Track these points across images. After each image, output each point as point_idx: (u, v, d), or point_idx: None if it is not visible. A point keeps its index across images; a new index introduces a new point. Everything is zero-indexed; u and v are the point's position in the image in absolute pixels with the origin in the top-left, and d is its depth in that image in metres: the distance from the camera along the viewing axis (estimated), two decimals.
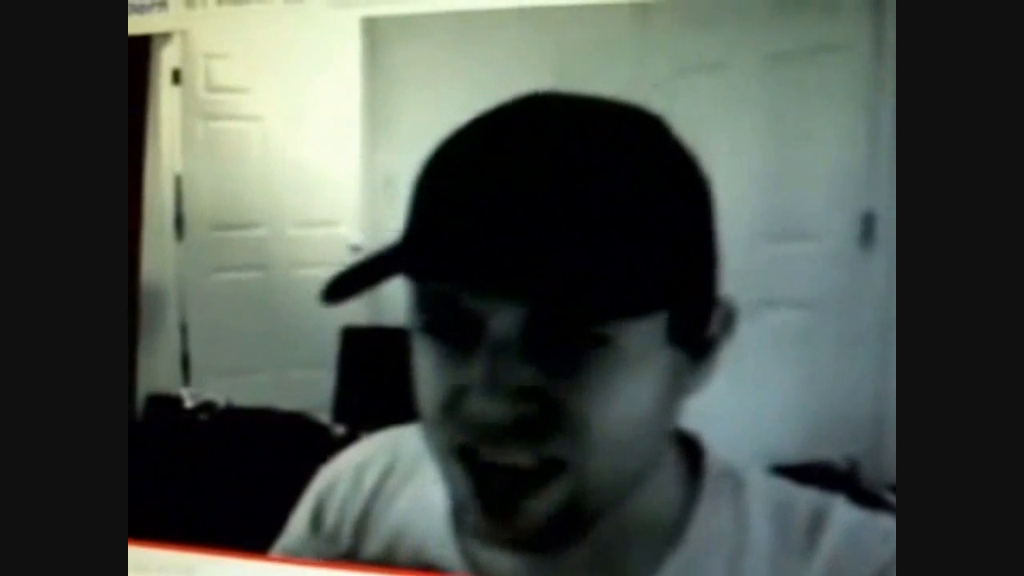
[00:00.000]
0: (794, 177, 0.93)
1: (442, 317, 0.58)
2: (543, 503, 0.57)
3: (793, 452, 0.89)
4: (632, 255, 0.54)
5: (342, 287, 0.58)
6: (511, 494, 0.57)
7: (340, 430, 0.98)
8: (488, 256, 0.53)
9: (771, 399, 0.92)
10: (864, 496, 0.76)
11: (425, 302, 0.58)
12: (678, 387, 0.61)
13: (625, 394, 0.57)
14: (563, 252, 0.53)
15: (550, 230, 0.53)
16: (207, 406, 1.11)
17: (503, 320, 0.55)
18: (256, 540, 0.86)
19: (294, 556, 0.75)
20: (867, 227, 0.90)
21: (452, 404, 0.57)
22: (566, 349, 0.55)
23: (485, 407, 0.55)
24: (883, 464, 0.90)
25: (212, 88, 1.09)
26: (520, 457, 0.56)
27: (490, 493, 0.57)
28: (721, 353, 0.63)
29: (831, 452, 0.89)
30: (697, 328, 0.61)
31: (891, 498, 0.84)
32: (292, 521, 0.77)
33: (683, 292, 0.58)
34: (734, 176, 0.96)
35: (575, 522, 0.59)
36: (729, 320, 0.62)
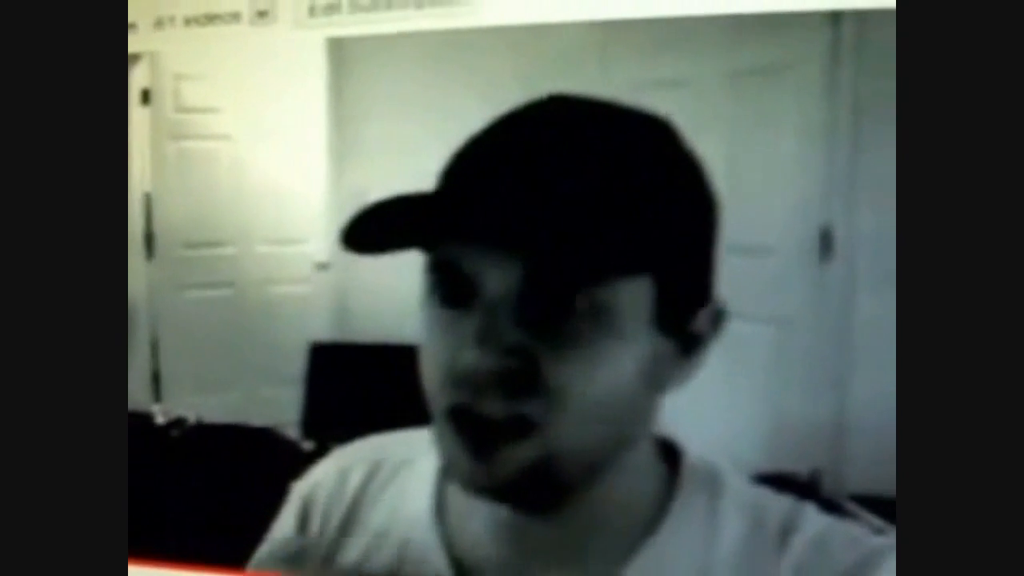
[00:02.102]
0: (754, 193, 0.94)
1: (445, 283, 0.60)
2: (517, 454, 0.59)
3: (755, 463, 0.90)
4: (617, 222, 0.56)
5: (372, 238, 0.58)
6: (488, 440, 0.59)
7: (308, 445, 0.99)
8: (483, 217, 0.56)
9: (734, 411, 0.94)
10: (826, 506, 0.78)
11: (435, 273, 0.60)
12: (661, 375, 0.62)
13: (605, 366, 0.58)
14: (554, 216, 0.56)
15: (544, 196, 0.56)
16: (178, 422, 1.11)
17: (497, 281, 0.57)
18: (226, 555, 0.87)
19: (279, 557, 0.75)
20: (825, 242, 0.92)
21: (448, 363, 0.60)
22: (555, 314, 0.57)
23: (473, 360, 0.57)
24: (843, 474, 0.91)
25: (181, 108, 1.10)
26: (495, 408, 0.58)
27: (469, 438, 0.59)
28: (708, 351, 0.64)
29: (793, 463, 0.90)
30: (683, 317, 0.62)
31: (851, 507, 0.85)
32: (278, 523, 0.78)
33: (666, 266, 0.59)
34: None
35: (549, 483, 0.61)
36: (718, 320, 0.64)
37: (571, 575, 0.65)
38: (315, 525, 0.73)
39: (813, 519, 0.65)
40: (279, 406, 1.08)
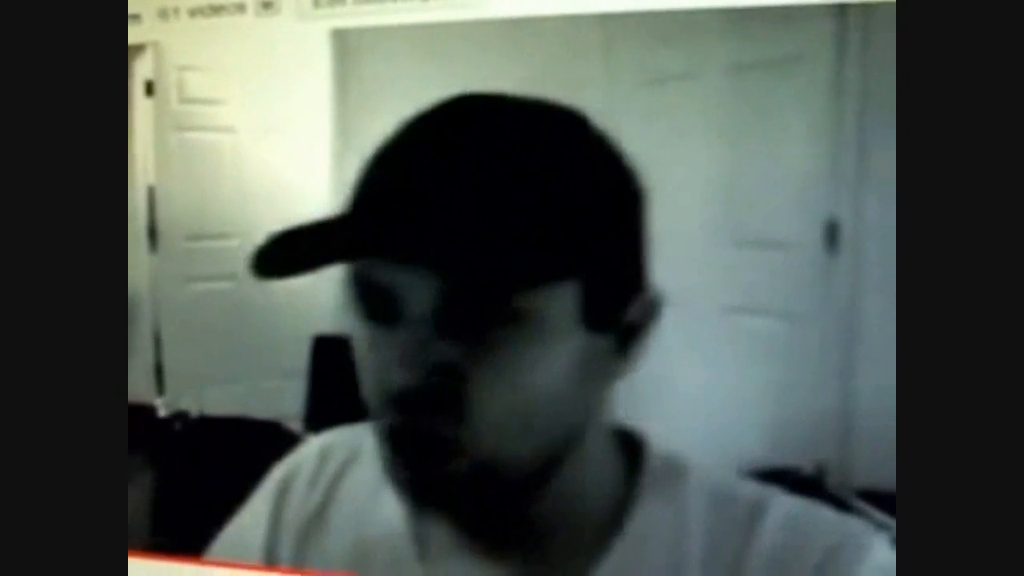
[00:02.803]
0: (759, 186, 0.94)
1: (370, 299, 0.59)
2: (453, 468, 0.58)
3: (759, 457, 0.90)
4: (538, 228, 0.56)
5: (279, 262, 0.58)
6: (425, 459, 0.59)
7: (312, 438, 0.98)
8: (397, 235, 0.56)
9: (738, 405, 0.93)
10: (831, 501, 0.77)
11: (356, 288, 0.60)
12: (597, 371, 0.62)
13: (532, 374, 0.58)
14: (473, 226, 0.55)
15: (461, 207, 0.56)
16: (181, 415, 1.11)
17: (420, 297, 0.57)
18: None
19: (249, 531, 0.75)
20: (831, 235, 0.92)
21: (378, 383, 0.59)
22: (478, 324, 0.57)
23: (401, 381, 0.57)
24: (849, 469, 0.91)
25: (185, 100, 1.10)
26: (426, 427, 0.58)
27: (407, 459, 0.59)
28: (645, 341, 0.63)
29: (797, 457, 0.90)
30: (612, 311, 0.62)
31: (857, 503, 0.85)
32: (251, 505, 0.77)
33: (592, 266, 0.59)
34: (701, 185, 0.97)
35: (493, 490, 0.61)
36: (653, 309, 0.63)
37: (541, 571, 0.64)
38: (291, 509, 0.73)
39: (783, 501, 0.64)
40: (282, 399, 1.08)
